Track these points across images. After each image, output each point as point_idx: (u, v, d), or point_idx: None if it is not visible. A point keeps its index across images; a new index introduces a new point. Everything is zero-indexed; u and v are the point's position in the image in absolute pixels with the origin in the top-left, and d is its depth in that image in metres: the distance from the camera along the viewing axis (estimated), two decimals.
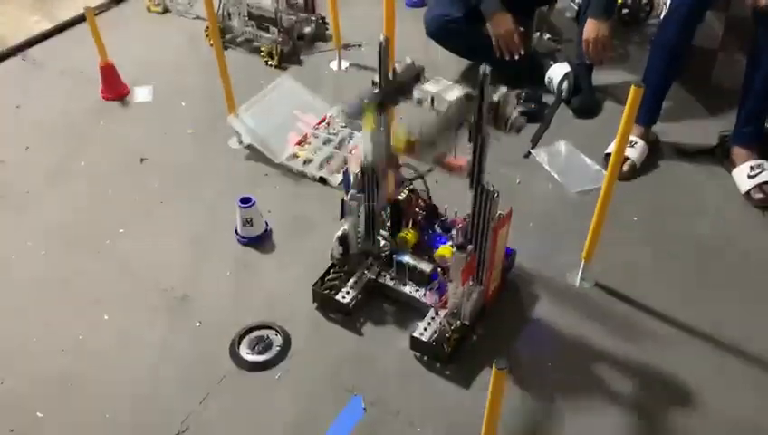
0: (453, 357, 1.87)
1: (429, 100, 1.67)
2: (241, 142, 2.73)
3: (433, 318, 1.91)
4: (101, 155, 2.72)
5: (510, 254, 2.09)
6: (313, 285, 2.03)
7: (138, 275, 2.20)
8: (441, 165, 1.76)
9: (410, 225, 2.00)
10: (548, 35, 3.30)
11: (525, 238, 2.28)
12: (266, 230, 2.33)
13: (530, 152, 2.65)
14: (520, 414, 1.77)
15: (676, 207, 2.41)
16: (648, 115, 2.55)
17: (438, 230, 2.03)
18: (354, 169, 1.89)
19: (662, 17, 2.46)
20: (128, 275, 2.20)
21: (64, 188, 2.56)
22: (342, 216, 1.96)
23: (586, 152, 2.64)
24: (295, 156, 2.64)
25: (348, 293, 1.99)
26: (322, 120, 2.82)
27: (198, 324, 2.04)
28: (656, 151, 2.63)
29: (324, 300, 2.03)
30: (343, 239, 2.00)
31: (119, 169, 2.66)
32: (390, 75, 1.71)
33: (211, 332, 2.01)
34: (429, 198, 2.05)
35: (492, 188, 1.68)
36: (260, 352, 1.94)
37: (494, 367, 1.24)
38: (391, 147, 1.80)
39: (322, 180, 2.55)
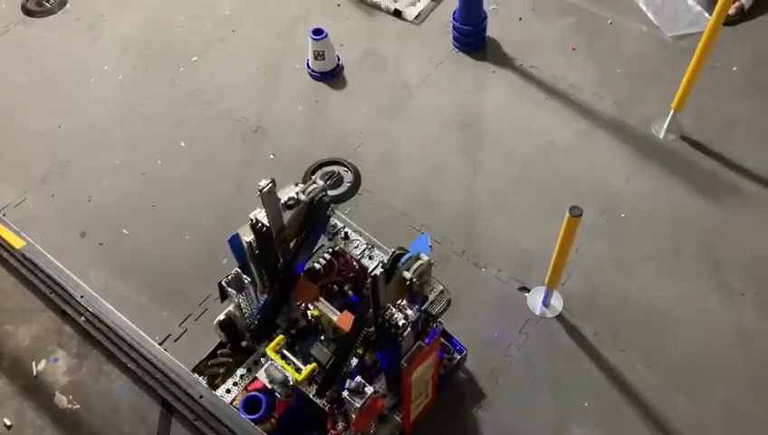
0: None
1: (343, 234, 1.32)
2: None
3: None
4: None
5: (456, 355, 1.59)
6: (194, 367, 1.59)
7: (212, 104, 2.21)
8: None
9: (327, 289, 1.48)
10: None
11: (611, 84, 2.15)
12: (338, 65, 2.27)
13: None
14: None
15: None
16: None
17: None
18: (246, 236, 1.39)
19: None
20: (203, 103, 2.22)
21: (137, 13, 2.53)
22: (223, 298, 1.48)
23: None
24: None
25: (228, 391, 1.52)
26: None
27: (272, 156, 2.06)
28: None
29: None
30: (227, 325, 1.53)
31: None
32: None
33: (284, 164, 2.04)
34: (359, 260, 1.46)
35: (398, 321, 1.20)
36: (332, 187, 1.96)
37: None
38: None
39: (397, 13, 2.42)
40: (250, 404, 1.45)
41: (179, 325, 1.75)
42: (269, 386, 1.40)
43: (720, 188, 1.90)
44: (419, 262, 1.17)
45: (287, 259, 1.35)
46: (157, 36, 2.44)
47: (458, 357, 1.58)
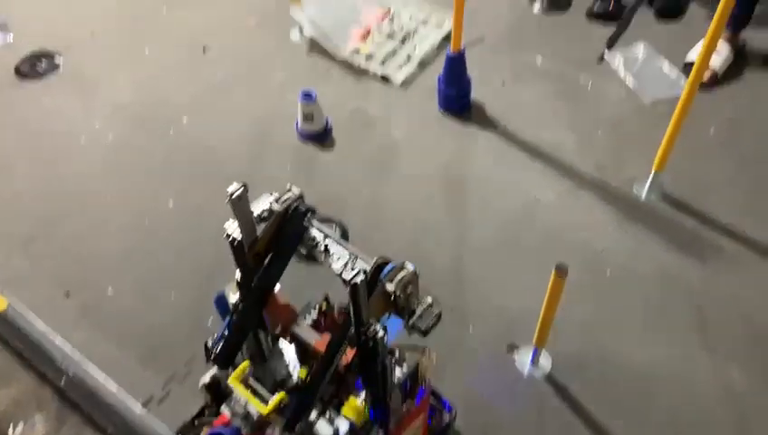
0: None
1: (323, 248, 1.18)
2: (302, 34, 2.66)
3: None
4: (164, 44, 2.72)
5: (446, 415, 1.54)
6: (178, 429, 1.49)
7: (201, 163, 2.24)
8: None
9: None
10: None
11: (593, 146, 2.20)
12: (327, 127, 2.31)
13: (604, 56, 2.51)
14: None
15: (759, 123, 2.27)
16: (739, 18, 2.35)
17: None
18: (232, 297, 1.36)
19: None
20: (192, 162, 2.24)
21: (129, 75, 2.58)
22: (209, 358, 1.36)
23: (665, 57, 2.48)
24: (357, 51, 2.57)
25: None
26: (387, 14, 2.71)
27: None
28: (742, 60, 2.45)
29: None
30: (212, 387, 1.41)
31: (181, 57, 2.65)
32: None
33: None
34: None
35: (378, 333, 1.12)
36: None
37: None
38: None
39: (384, 78, 2.49)
40: None
41: (163, 387, 1.72)
42: (232, 420, 1.25)
43: (703, 248, 1.93)
44: (403, 272, 1.08)
45: (260, 274, 1.24)
46: (148, 97, 2.49)
47: (448, 418, 1.53)
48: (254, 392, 1.26)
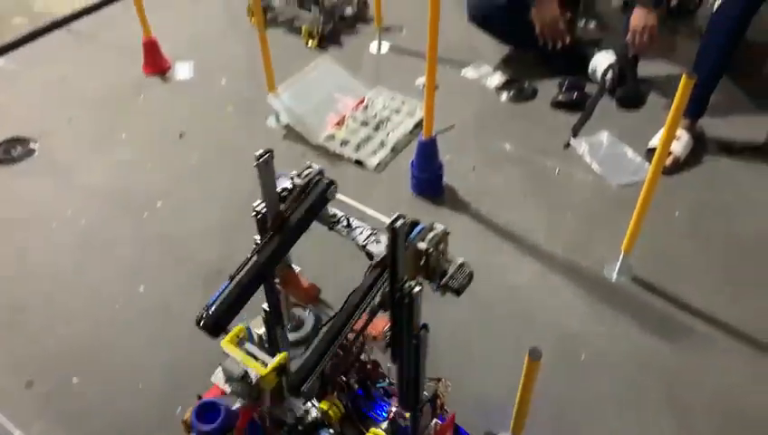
0: None
1: (345, 223, 1.21)
2: (279, 121, 2.73)
3: None
4: (141, 129, 2.76)
5: None
6: None
7: (174, 248, 2.23)
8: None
9: (336, 391, 1.31)
10: (594, 23, 3.23)
11: (562, 229, 2.25)
12: None
13: (569, 143, 2.60)
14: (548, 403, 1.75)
15: (721, 205, 2.35)
16: (696, 107, 2.48)
17: (380, 393, 1.37)
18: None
19: (715, 8, 2.38)
20: (165, 247, 2.23)
21: (104, 161, 2.60)
22: (197, 323, 1.27)
23: (629, 144, 2.58)
24: (332, 137, 2.63)
25: None
26: (361, 102, 2.80)
27: None
28: (701, 146, 2.56)
29: None
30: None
31: (158, 143, 2.69)
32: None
33: (246, 307, 2.02)
34: (368, 354, 1.38)
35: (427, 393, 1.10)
36: (292, 330, 1.94)
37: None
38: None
39: (359, 162, 2.54)
40: (204, 415, 1.12)
41: None
42: (227, 388, 1.13)
43: (674, 328, 1.94)
44: (435, 231, 1.06)
45: (275, 243, 1.20)
46: (122, 182, 2.50)
47: None
48: (253, 357, 1.16)
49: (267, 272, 1.22)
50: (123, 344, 1.94)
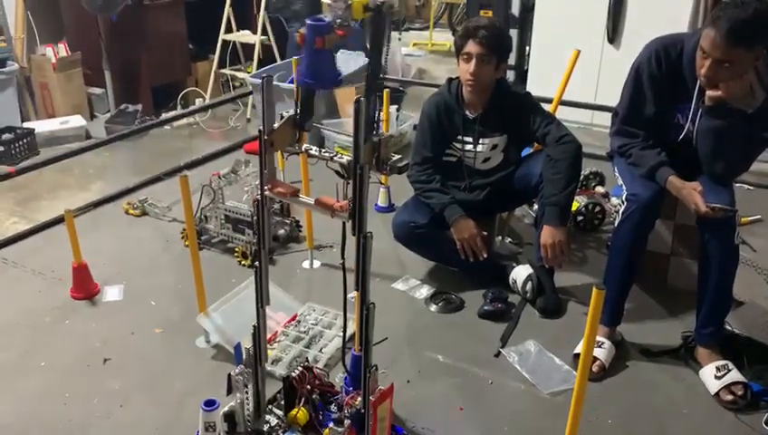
0: None
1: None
2: (209, 341, 2.69)
3: None
4: (63, 355, 2.64)
5: None
6: None
7: None
8: (320, 204, 1.86)
9: (302, 402, 1.97)
10: (509, 239, 3.48)
11: None
12: None
13: (500, 351, 2.66)
14: None
15: (650, 409, 2.39)
16: (611, 316, 2.62)
17: (333, 409, 2.03)
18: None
19: (616, 224, 2.63)
20: None
21: (17, 388, 2.44)
22: (229, 391, 1.97)
23: (555, 351, 2.66)
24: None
25: None
26: (293, 319, 2.82)
27: None
28: (622, 352, 2.66)
29: None
30: (229, 417, 1.96)
31: (79, 369, 2.56)
32: None
33: None
34: (327, 375, 2.11)
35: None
36: None
37: None
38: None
39: None
40: None
41: None
42: None
43: None
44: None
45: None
46: (36, 416, 2.32)
47: None
48: None
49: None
50: None
